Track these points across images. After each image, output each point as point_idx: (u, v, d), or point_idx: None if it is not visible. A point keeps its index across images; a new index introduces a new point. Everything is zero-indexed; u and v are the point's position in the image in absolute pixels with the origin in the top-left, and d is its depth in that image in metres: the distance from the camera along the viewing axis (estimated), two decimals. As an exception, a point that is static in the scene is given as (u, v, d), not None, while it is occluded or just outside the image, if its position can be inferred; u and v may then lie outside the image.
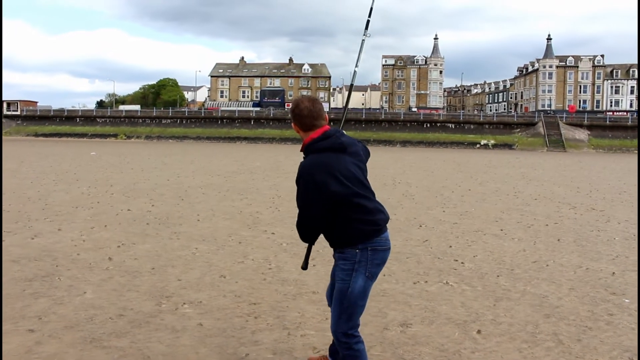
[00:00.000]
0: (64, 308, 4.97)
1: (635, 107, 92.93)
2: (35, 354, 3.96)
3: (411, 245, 8.12)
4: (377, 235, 3.14)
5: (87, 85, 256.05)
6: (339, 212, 3.03)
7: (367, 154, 3.35)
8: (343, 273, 3.12)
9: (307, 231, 3.11)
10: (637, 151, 53.96)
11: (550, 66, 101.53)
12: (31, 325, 4.52)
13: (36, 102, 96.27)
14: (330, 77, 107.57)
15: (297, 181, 3.03)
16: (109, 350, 4.07)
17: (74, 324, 4.58)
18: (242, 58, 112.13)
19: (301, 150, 3.11)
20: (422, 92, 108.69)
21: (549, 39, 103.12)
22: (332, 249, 3.30)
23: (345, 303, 3.12)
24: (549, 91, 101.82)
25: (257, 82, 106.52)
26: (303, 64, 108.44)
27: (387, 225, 3.27)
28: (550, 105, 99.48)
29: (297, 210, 3.14)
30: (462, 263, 7.09)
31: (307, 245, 3.32)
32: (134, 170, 22.12)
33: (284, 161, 30.64)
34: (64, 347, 4.08)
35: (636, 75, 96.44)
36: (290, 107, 3.13)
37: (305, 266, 3.44)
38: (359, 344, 3.23)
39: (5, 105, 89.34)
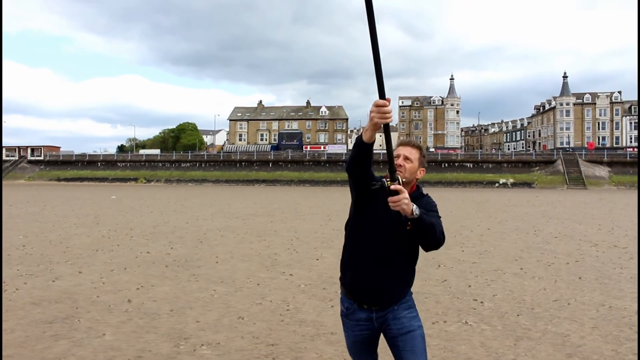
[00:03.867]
0: (84, 350, 5.01)
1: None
2: (55, 396, 3.97)
3: (430, 285, 8.05)
4: None
5: (109, 130, 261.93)
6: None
7: None
8: (414, 320, 2.95)
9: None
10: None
11: (567, 104, 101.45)
12: (51, 367, 4.55)
13: (59, 147, 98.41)
14: (347, 119, 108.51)
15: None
16: (127, 392, 4.07)
17: (93, 365, 4.60)
18: (260, 101, 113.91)
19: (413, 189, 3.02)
20: (440, 132, 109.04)
21: (565, 76, 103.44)
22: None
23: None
24: (567, 129, 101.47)
25: (275, 125, 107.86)
26: (320, 107, 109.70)
27: None
28: (568, 143, 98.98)
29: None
30: (481, 302, 7.01)
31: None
32: (153, 213, 22.34)
33: (302, 203, 30.72)
34: (82, 389, 4.10)
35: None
36: (422, 149, 3.07)
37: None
38: None
39: (29, 150, 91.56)
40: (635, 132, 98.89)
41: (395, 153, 2.90)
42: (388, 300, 2.90)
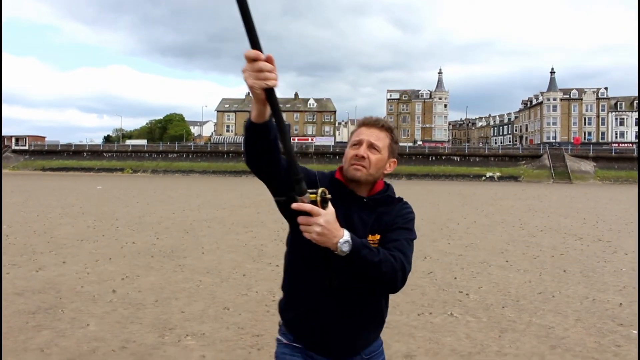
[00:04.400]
0: (67, 340, 4.96)
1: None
2: (37, 386, 3.94)
3: (416, 277, 8.07)
4: None
5: (95, 120, 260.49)
6: None
7: None
8: None
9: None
10: (643, 183, 53.65)
11: (554, 99, 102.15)
12: (34, 357, 4.51)
13: (44, 137, 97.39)
14: (335, 112, 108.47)
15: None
16: (111, 382, 4.04)
17: (77, 356, 4.56)
18: (248, 93, 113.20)
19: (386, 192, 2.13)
20: (427, 125, 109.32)
21: (552, 72, 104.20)
22: None
23: None
24: (554, 123, 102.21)
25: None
26: (308, 99, 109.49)
27: None
28: (555, 138, 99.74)
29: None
30: (467, 294, 7.04)
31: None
32: (139, 203, 22.20)
33: (289, 194, 30.69)
34: (65, 380, 4.06)
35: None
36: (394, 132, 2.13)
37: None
38: None
39: (14, 140, 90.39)
40: (621, 128, 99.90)
41: (355, 138, 2.05)
42: (353, 349, 2.08)
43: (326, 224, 1.67)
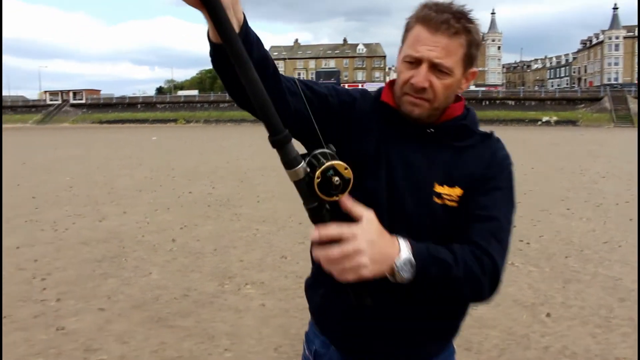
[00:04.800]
0: (131, 288, 5.11)
1: None
2: (107, 332, 4.09)
3: (473, 226, 7.91)
4: None
5: (147, 72, 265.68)
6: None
7: None
8: None
9: None
10: None
11: (617, 37, 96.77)
12: (102, 304, 4.68)
13: (99, 91, 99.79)
14: (385, 57, 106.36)
15: None
16: (175, 329, 4.15)
17: (141, 303, 4.71)
18: (297, 40, 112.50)
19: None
20: (480, 68, 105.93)
21: (615, 8, 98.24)
22: None
23: None
24: (616, 64, 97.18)
25: (312, 63, 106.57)
26: (357, 44, 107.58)
27: None
28: (616, 79, 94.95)
29: None
30: (527, 243, 6.86)
31: None
32: (193, 154, 22.58)
33: (340, 142, 30.58)
34: (132, 326, 4.20)
35: None
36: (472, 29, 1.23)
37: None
38: None
39: (71, 94, 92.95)
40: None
41: (411, 52, 1.23)
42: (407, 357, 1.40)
43: (371, 247, 0.97)
